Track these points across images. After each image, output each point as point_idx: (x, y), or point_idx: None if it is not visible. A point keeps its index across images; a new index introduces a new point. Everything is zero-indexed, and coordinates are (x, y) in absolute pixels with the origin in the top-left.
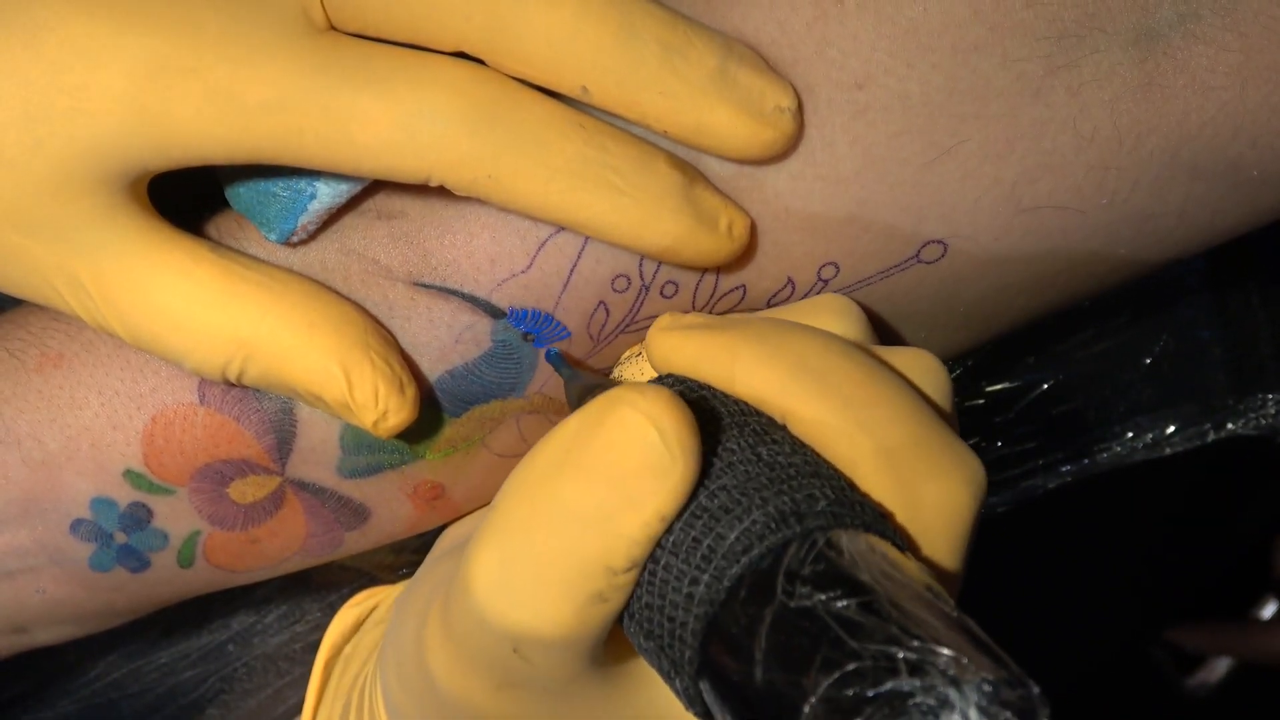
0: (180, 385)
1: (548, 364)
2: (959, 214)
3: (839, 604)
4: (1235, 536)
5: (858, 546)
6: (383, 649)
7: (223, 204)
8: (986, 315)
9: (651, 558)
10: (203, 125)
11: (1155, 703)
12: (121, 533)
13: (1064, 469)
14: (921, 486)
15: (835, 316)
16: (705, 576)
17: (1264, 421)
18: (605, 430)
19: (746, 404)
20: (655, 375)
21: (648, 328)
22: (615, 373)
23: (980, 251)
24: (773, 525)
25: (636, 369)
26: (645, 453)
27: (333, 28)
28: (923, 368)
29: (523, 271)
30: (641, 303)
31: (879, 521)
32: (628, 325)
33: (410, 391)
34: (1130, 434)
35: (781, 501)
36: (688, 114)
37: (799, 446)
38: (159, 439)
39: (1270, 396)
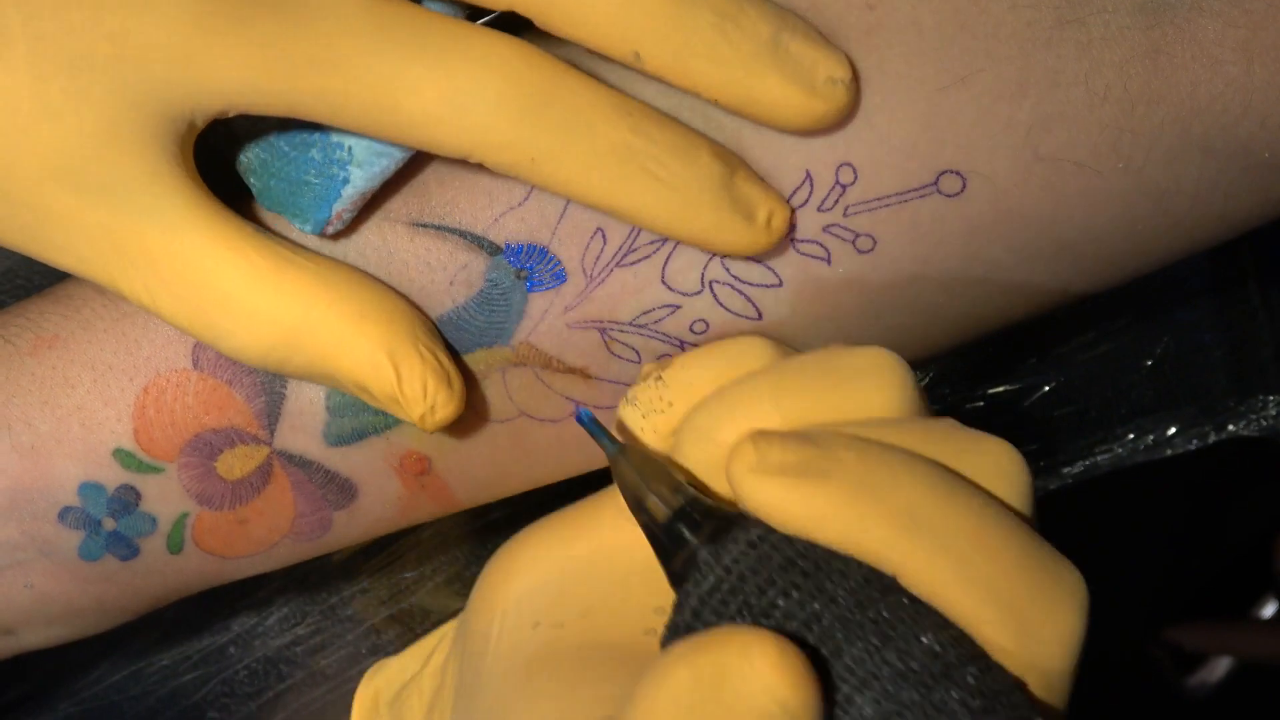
0: (174, 352)
1: (534, 310)
2: (977, 147)
3: None
4: (1235, 537)
5: None
6: None
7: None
8: (1002, 287)
9: None
10: (248, 75)
11: (1155, 703)
12: (110, 518)
13: (1065, 470)
14: (1041, 631)
15: (888, 377)
16: None
17: (1265, 423)
18: (722, 708)
19: (855, 565)
20: (705, 444)
21: (644, 259)
22: (630, 395)
23: (999, 196)
24: None
25: (655, 394)
26: None
27: None
28: (1005, 468)
29: (520, 204)
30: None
31: (1019, 708)
32: (625, 254)
33: (458, 385)
34: (1131, 435)
35: None
36: (739, 83)
37: (920, 627)
38: (150, 409)
39: (1271, 398)
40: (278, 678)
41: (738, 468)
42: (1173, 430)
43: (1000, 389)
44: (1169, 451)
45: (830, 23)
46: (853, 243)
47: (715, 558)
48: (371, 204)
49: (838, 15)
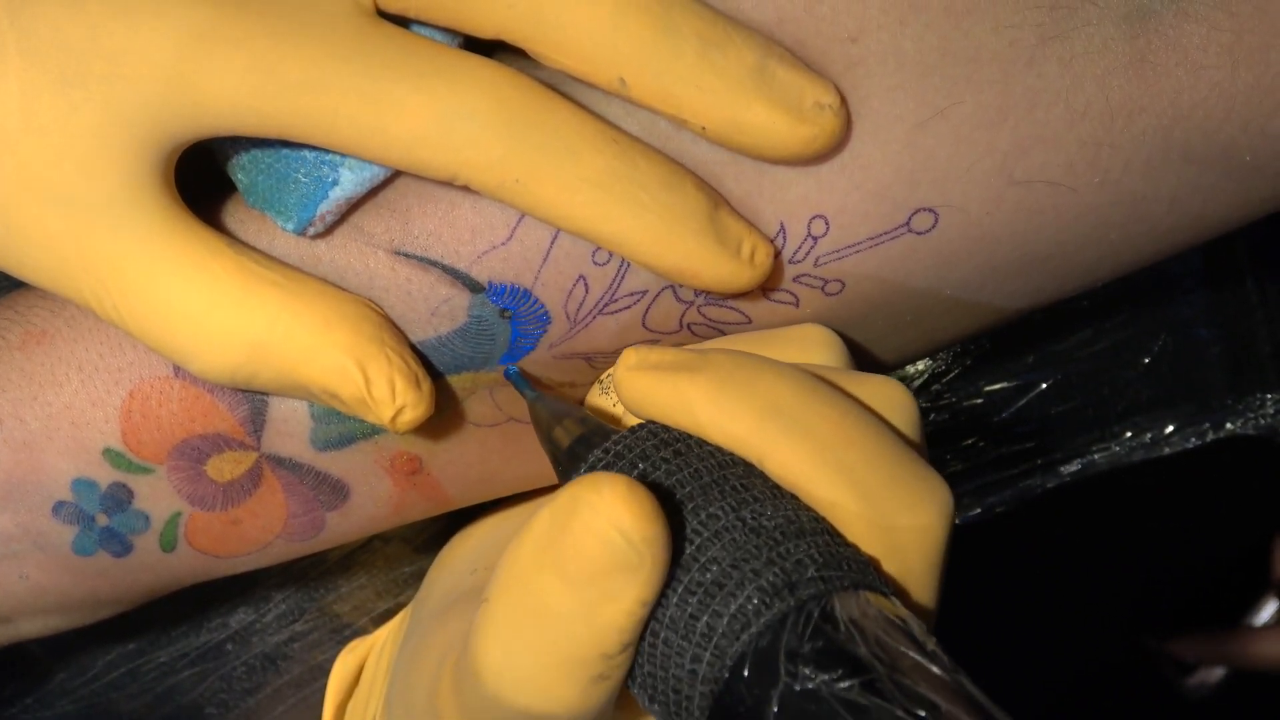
0: (156, 358)
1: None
2: (951, 181)
3: (842, 685)
4: (1234, 537)
5: (851, 612)
6: (389, 701)
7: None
8: (973, 302)
9: (650, 630)
10: (240, 97)
11: (1154, 704)
12: (103, 514)
13: (1062, 469)
14: (898, 521)
15: (817, 347)
16: (707, 655)
17: (1263, 421)
18: (571, 535)
19: (723, 452)
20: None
21: (627, 308)
22: (600, 388)
23: (971, 225)
24: (767, 600)
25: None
26: (612, 554)
27: (378, 10)
28: (892, 399)
29: (503, 244)
30: (623, 276)
31: (866, 574)
32: (607, 304)
33: (426, 386)
34: (1129, 433)
35: (773, 574)
36: (725, 109)
37: (779, 500)
38: (136, 414)
39: (1269, 396)
40: (275, 674)
41: (619, 369)
42: (1170, 428)
43: (997, 386)
44: (1166, 450)
45: (813, 57)
46: (821, 289)
47: (598, 444)
48: (354, 227)
49: (821, 50)
